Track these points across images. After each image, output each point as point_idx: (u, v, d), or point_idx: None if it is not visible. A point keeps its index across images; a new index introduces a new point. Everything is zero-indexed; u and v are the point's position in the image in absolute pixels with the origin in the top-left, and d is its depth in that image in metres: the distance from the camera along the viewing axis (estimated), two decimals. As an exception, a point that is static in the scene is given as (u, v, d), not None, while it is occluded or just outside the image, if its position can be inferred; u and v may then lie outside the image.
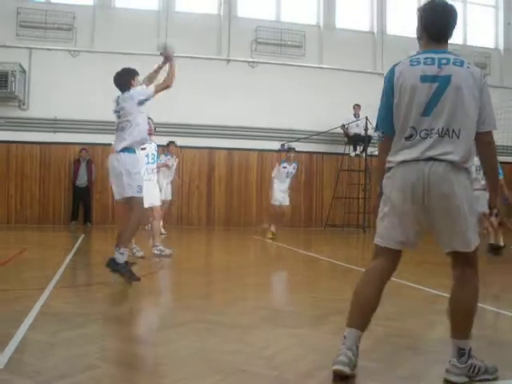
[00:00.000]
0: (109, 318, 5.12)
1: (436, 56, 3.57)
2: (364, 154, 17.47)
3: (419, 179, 3.42)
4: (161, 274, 8.26)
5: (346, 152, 18.65)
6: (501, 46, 21.97)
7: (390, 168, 3.63)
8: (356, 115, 18.18)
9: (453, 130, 3.42)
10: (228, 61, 18.49)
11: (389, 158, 3.64)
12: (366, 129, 17.00)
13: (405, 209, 3.51)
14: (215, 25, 18.51)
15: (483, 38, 21.80)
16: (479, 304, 3.55)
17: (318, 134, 18.57)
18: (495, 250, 10.43)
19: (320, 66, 19.27)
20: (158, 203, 9.83)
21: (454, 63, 3.50)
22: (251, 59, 18.66)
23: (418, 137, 3.48)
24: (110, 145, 7.89)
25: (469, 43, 21.40)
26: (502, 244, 10.76)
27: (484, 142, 3.53)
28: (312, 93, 18.60)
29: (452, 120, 3.42)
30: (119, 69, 7.13)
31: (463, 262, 3.48)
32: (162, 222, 12.24)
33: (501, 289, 7.52)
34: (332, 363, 3.46)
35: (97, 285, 6.88)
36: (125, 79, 7.01)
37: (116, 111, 6.94)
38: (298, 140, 18.48)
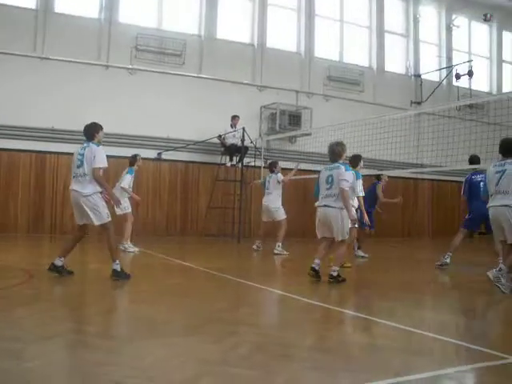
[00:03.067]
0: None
1: None
2: (240, 165, 17.67)
3: None
4: (31, 283, 7.94)
5: (223, 162, 18.79)
6: (374, 65, 23.10)
7: None
8: (233, 126, 18.37)
9: None
10: (107, 67, 18.12)
11: None
12: (243, 139, 17.21)
13: None
14: (95, 29, 18.05)
15: (358, 56, 22.84)
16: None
17: (195, 143, 18.61)
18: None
19: (199, 75, 19.33)
20: None
21: None
22: (131, 66, 18.41)
23: None
24: None
25: (345, 60, 22.36)
26: None
27: None
28: (190, 102, 18.63)
29: None
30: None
31: None
32: None
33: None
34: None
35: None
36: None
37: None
38: (174, 149, 18.44)
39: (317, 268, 8.49)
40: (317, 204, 8.75)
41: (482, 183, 10.98)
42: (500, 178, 7.79)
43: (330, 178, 8.45)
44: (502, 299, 7.49)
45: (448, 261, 11.11)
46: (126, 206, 12.66)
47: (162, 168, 18.75)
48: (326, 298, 7.54)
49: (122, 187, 12.53)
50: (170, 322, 5.54)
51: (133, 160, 13.05)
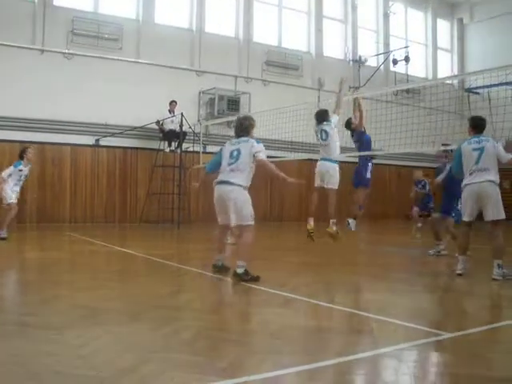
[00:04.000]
0: None
1: None
2: (179, 150, 17.55)
3: None
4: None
5: (161, 148, 18.64)
6: (313, 50, 23.28)
7: None
8: (171, 111, 18.23)
9: None
10: (42, 51, 17.64)
11: None
12: (182, 125, 17.09)
13: None
14: (29, 12, 17.49)
15: (297, 41, 22.97)
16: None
17: (133, 128, 18.39)
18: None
19: (137, 60, 19.08)
20: None
21: None
22: (67, 51, 17.97)
23: None
24: None
25: (283, 45, 22.45)
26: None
27: None
28: (128, 87, 18.39)
29: None
30: None
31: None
32: None
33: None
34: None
35: None
36: None
37: None
38: (112, 135, 18.17)
39: (220, 264, 7.83)
40: (215, 181, 7.57)
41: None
42: (479, 155, 7.70)
43: (236, 153, 7.42)
44: (445, 281, 7.70)
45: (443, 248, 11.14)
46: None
47: (100, 154, 18.47)
48: (263, 282, 7.58)
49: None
50: (111, 309, 5.47)
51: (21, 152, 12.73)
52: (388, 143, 12.93)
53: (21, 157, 12.58)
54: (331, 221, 10.56)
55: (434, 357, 4.21)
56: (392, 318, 5.18)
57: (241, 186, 7.26)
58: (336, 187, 10.63)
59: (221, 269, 7.76)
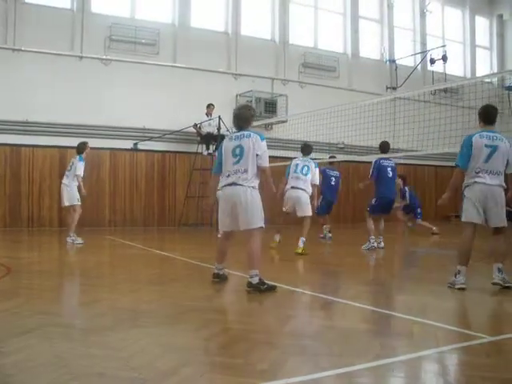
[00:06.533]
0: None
1: None
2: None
3: None
4: (9, 277, 7.87)
5: (199, 151, 18.74)
6: (349, 51, 23.18)
7: None
8: (209, 114, 18.33)
9: None
10: (81, 57, 17.92)
11: None
12: (219, 128, 17.18)
13: None
14: (68, 20, 17.80)
15: (333, 43, 22.90)
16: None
17: (171, 132, 18.55)
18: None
19: (174, 64, 19.24)
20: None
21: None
22: (105, 56, 18.23)
23: None
24: None
25: (319, 47, 22.40)
26: None
27: None
28: (166, 91, 18.56)
29: None
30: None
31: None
32: None
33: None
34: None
35: None
36: None
37: None
38: (150, 139, 18.37)
39: (221, 273, 7.39)
40: (223, 183, 7.04)
41: (389, 168, 11.49)
42: (490, 154, 6.94)
43: (239, 150, 6.86)
44: (485, 283, 7.59)
45: (375, 245, 11.41)
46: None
47: (139, 158, 18.67)
48: (303, 284, 7.58)
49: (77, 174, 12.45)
50: (151, 312, 5.53)
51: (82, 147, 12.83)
52: (426, 143, 12.82)
53: (80, 152, 12.70)
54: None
55: (475, 360, 4.15)
56: (432, 320, 5.13)
57: (253, 187, 6.78)
58: (310, 214, 11.21)
59: (221, 278, 7.33)
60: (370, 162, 11.91)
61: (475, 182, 6.98)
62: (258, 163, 6.77)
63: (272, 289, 6.60)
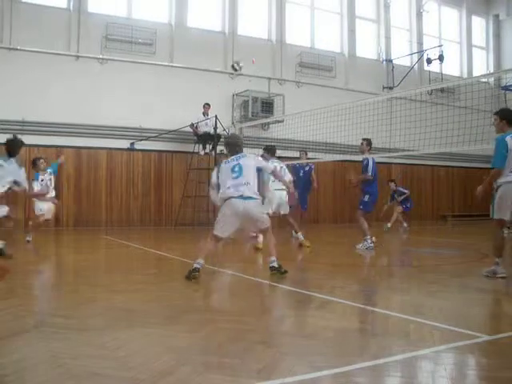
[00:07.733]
0: None
1: None
2: (213, 153, 17.63)
3: None
4: (6, 278, 7.84)
5: (196, 150, 18.73)
6: (345, 51, 23.19)
7: None
8: (205, 114, 18.32)
9: None
10: (77, 57, 17.90)
11: None
12: (216, 127, 17.17)
13: None
14: (65, 19, 17.81)
15: (329, 42, 22.92)
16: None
17: (168, 132, 18.53)
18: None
19: (171, 64, 19.24)
20: None
21: None
22: (101, 56, 18.21)
23: None
24: None
25: (316, 47, 22.40)
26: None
27: None
28: (162, 91, 18.58)
29: None
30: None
31: None
32: None
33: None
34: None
35: None
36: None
37: None
38: (147, 139, 18.35)
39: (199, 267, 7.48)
40: (228, 195, 7.50)
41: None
42: None
43: (237, 167, 7.52)
44: (481, 282, 7.60)
45: (372, 245, 11.50)
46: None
47: (135, 158, 18.67)
48: (299, 284, 7.58)
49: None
50: (147, 311, 5.51)
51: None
52: (423, 143, 12.81)
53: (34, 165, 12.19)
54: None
55: (472, 359, 4.15)
56: (428, 319, 5.13)
57: (259, 199, 7.63)
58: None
59: (197, 272, 7.38)
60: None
61: (509, 181, 7.28)
62: (267, 170, 8.13)
63: (286, 272, 7.53)
